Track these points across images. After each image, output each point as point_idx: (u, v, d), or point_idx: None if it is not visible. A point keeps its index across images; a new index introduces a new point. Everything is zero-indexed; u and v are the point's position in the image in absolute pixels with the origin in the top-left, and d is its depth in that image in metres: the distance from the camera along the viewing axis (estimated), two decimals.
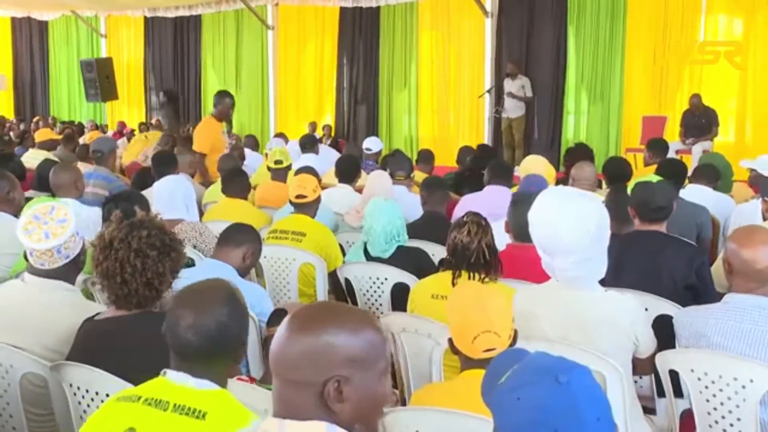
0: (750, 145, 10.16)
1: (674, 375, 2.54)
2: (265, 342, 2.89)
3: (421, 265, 3.68)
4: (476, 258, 2.95)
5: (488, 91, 11.35)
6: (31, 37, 18.47)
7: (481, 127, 11.87)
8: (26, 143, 10.46)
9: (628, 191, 3.84)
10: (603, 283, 2.63)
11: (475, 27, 12.00)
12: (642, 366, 2.69)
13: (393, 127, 13.34)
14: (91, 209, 4.20)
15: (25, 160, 6.79)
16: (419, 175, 6.15)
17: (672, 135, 9.51)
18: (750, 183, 5.64)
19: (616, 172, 5.35)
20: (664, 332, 2.80)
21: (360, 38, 13.49)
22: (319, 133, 12.69)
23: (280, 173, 5.83)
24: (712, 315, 2.58)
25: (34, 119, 16.17)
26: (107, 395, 2.21)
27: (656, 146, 6.54)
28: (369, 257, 3.83)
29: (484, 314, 2.14)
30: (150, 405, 1.73)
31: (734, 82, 10.32)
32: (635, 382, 2.87)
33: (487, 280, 2.95)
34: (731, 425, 2.42)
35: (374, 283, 3.73)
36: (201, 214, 5.55)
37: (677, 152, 8.47)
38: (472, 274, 2.96)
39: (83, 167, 5.28)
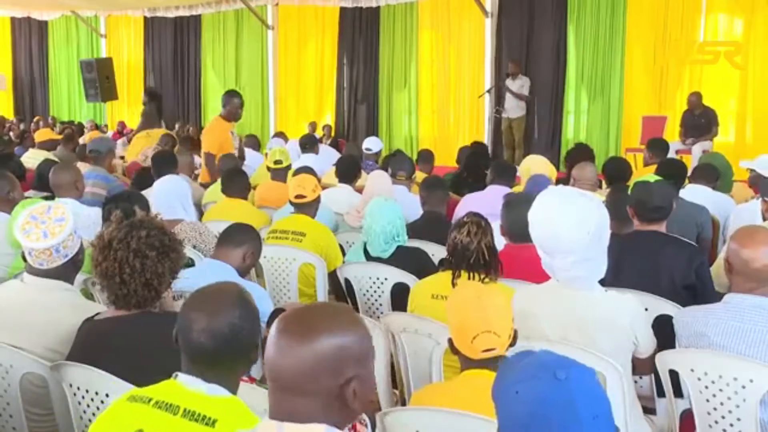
0: (750, 145, 10.16)
1: (674, 375, 2.54)
2: (264, 342, 2.89)
3: (421, 265, 3.68)
4: (476, 258, 2.96)
5: (488, 91, 11.35)
6: (31, 37, 18.46)
7: (481, 127, 11.87)
8: (26, 143, 10.46)
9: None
10: (603, 283, 2.63)
11: (475, 27, 12.00)
12: (642, 366, 2.69)
13: (393, 127, 13.34)
14: (90, 209, 4.20)
15: (25, 160, 6.80)
16: (419, 175, 6.15)
17: (672, 135, 9.51)
18: (750, 183, 5.64)
19: (616, 172, 5.35)
20: (664, 332, 2.80)
21: (360, 38, 13.49)
22: (318, 133, 12.68)
23: (279, 173, 5.83)
24: (712, 315, 2.58)
25: (34, 119, 16.17)
26: (107, 395, 2.22)
27: (656, 146, 6.54)
28: (369, 257, 3.83)
29: (483, 314, 2.14)
30: (160, 408, 1.73)
31: (734, 82, 10.32)
32: (635, 382, 2.87)
33: (487, 280, 2.95)
34: (731, 425, 2.42)
35: (374, 283, 3.73)
36: (201, 214, 5.56)
37: (677, 152, 8.47)
38: (471, 275, 2.96)
39: (82, 167, 5.27)
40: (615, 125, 11.05)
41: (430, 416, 2.04)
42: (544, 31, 11.49)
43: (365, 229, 3.85)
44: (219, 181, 5.74)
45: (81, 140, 10.65)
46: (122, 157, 10.69)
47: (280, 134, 11.28)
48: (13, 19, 18.48)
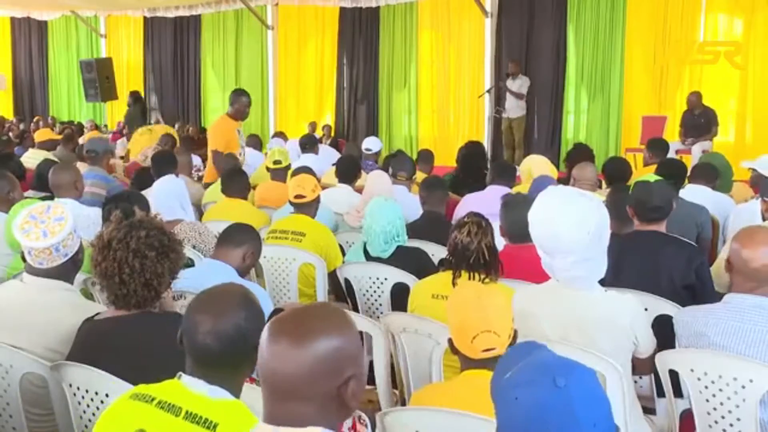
0: (750, 145, 10.17)
1: (674, 375, 2.54)
2: None
3: (420, 265, 3.68)
4: (476, 258, 2.96)
5: (488, 91, 11.35)
6: (31, 37, 18.45)
7: (481, 127, 11.87)
8: (26, 143, 10.45)
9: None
10: (603, 283, 2.63)
11: (474, 27, 12.00)
12: (642, 366, 2.69)
13: (393, 127, 13.34)
14: (90, 209, 4.21)
15: (25, 160, 6.79)
16: (419, 175, 6.15)
17: (672, 135, 9.51)
18: (751, 184, 5.64)
19: (616, 172, 5.36)
20: (664, 332, 2.80)
21: (360, 38, 13.49)
22: (318, 133, 12.68)
23: (279, 173, 5.84)
24: (713, 315, 2.59)
25: (34, 119, 16.16)
26: (107, 395, 2.22)
27: (656, 146, 6.54)
28: (369, 257, 3.83)
29: (483, 314, 2.14)
30: (162, 408, 1.73)
31: (734, 82, 10.32)
32: (635, 382, 2.87)
33: (487, 280, 2.95)
34: (731, 425, 2.42)
35: (374, 283, 3.73)
36: (201, 214, 5.56)
37: (677, 152, 8.47)
38: (472, 275, 2.96)
39: (81, 167, 5.27)
40: (615, 125, 11.05)
41: (430, 416, 2.04)
42: (544, 31, 11.49)
43: (365, 229, 3.85)
44: (219, 181, 5.75)
45: (81, 140, 10.64)
46: (122, 157, 10.70)
47: (279, 134, 11.28)
48: (13, 19, 18.47)
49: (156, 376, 1.84)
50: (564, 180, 5.77)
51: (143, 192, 4.43)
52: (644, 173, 5.43)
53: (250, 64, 14.80)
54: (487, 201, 4.47)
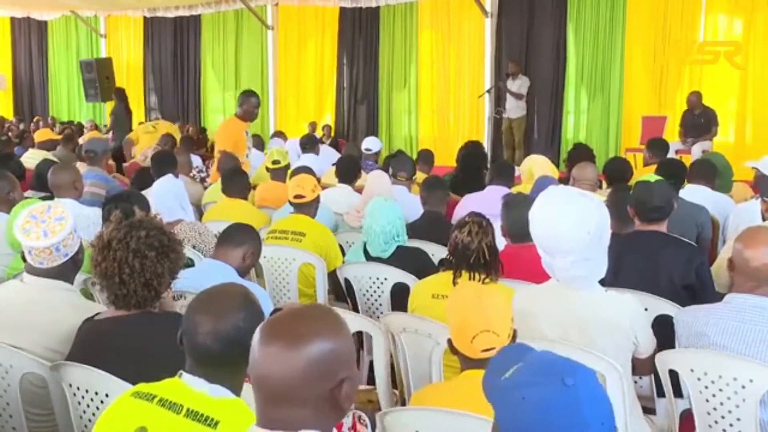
0: (750, 145, 10.17)
1: (674, 375, 2.54)
2: None
3: (420, 265, 3.68)
4: (476, 258, 2.96)
5: (488, 91, 11.35)
6: (31, 37, 18.44)
7: (481, 127, 11.87)
8: (25, 143, 10.45)
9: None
10: (603, 282, 2.63)
11: (474, 27, 12.00)
12: (642, 366, 2.69)
13: (393, 127, 13.34)
14: (90, 209, 4.21)
15: (25, 161, 6.79)
16: (419, 176, 6.15)
17: (672, 135, 9.51)
18: (754, 183, 5.62)
19: (617, 172, 5.35)
20: (664, 332, 2.80)
21: (360, 38, 13.49)
22: (318, 133, 12.68)
23: (278, 173, 5.83)
24: (713, 314, 2.59)
25: (34, 119, 16.16)
26: (107, 395, 2.22)
27: (656, 146, 6.54)
28: (369, 257, 3.83)
29: (483, 314, 2.14)
30: (164, 406, 1.73)
31: (734, 82, 10.33)
32: (635, 382, 2.87)
33: (487, 280, 2.95)
34: (731, 425, 2.42)
35: (374, 283, 3.73)
36: (201, 214, 5.56)
37: (677, 152, 8.47)
38: (472, 274, 2.96)
39: (81, 167, 5.27)
40: (615, 125, 11.06)
41: (430, 416, 2.04)
42: (544, 31, 11.49)
43: (365, 229, 3.85)
44: (219, 181, 5.74)
45: (81, 140, 10.64)
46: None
47: (278, 133, 11.28)
48: (13, 19, 18.47)
49: (156, 375, 1.84)
50: (564, 180, 5.77)
51: (143, 192, 4.43)
52: (644, 173, 5.43)
53: (250, 64, 14.80)
54: (486, 201, 4.47)
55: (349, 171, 5.67)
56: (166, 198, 4.46)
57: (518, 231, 3.41)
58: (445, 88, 12.61)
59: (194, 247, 3.90)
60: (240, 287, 1.99)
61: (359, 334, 3.49)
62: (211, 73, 15.61)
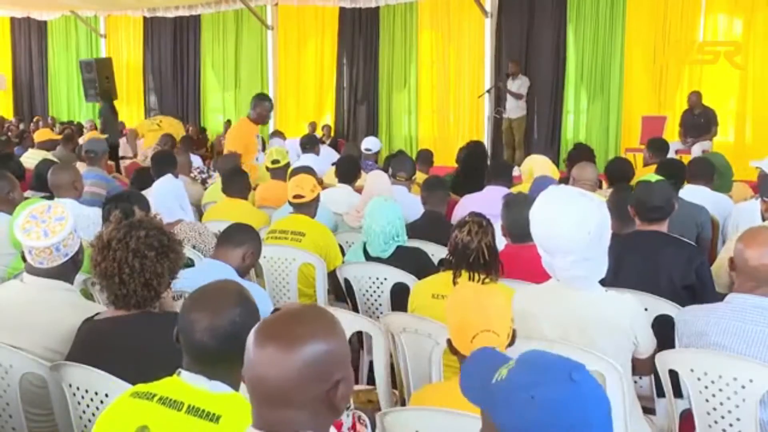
0: (750, 145, 10.18)
1: (674, 375, 2.54)
2: None
3: (420, 265, 3.68)
4: (476, 258, 2.95)
5: (488, 91, 11.36)
6: (31, 37, 18.46)
7: (481, 127, 11.88)
8: (25, 143, 10.45)
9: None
10: (603, 283, 2.63)
11: (474, 27, 12.00)
12: (642, 366, 2.69)
13: (393, 127, 13.34)
14: (90, 209, 4.21)
15: (24, 161, 6.79)
16: (418, 176, 6.15)
17: (671, 135, 9.51)
18: (759, 183, 5.61)
19: (619, 172, 5.34)
20: (664, 332, 2.80)
21: (360, 38, 13.50)
22: (318, 133, 12.69)
23: (278, 172, 5.83)
24: (714, 314, 2.59)
25: (34, 119, 16.17)
26: (106, 395, 2.22)
27: (656, 146, 6.54)
28: (368, 257, 3.83)
29: (483, 313, 2.14)
30: (164, 404, 1.74)
31: (734, 82, 10.33)
32: (635, 382, 2.87)
33: (487, 280, 2.95)
34: (731, 425, 2.42)
35: (374, 283, 3.73)
36: (201, 214, 5.56)
37: (677, 152, 8.48)
38: (472, 274, 2.96)
39: (81, 167, 5.28)
40: (615, 125, 11.06)
41: (430, 416, 2.04)
42: (544, 31, 11.50)
43: (365, 229, 3.85)
44: (219, 181, 5.74)
45: (80, 140, 10.64)
46: (122, 157, 10.70)
47: (276, 133, 11.27)
48: (12, 19, 18.48)
49: (156, 375, 1.84)
50: (564, 180, 5.77)
51: (143, 192, 4.43)
52: (644, 173, 5.43)
53: (250, 64, 14.80)
54: (486, 201, 4.47)
55: (349, 171, 5.67)
56: (166, 198, 4.46)
57: (518, 231, 3.41)
58: (445, 88, 12.62)
59: (194, 247, 3.90)
60: (233, 284, 2.00)
61: (359, 334, 3.49)
62: (211, 73, 15.62)
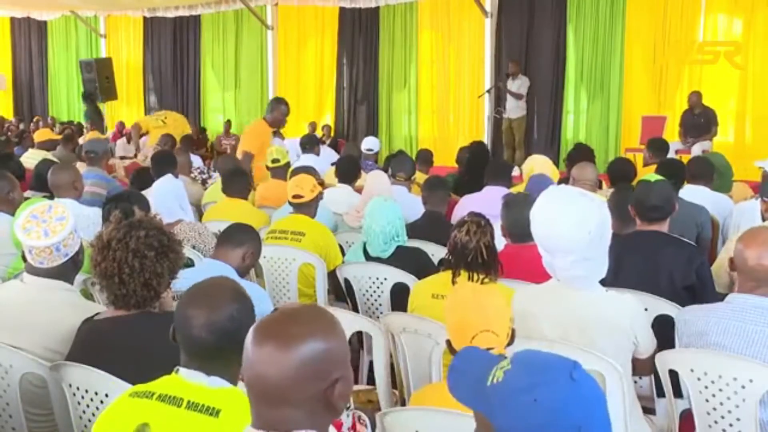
0: (749, 145, 10.18)
1: (674, 375, 2.54)
2: None
3: (420, 265, 3.68)
4: (474, 257, 2.96)
5: (488, 91, 11.36)
6: (31, 37, 18.45)
7: (481, 127, 11.87)
8: (25, 143, 10.45)
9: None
10: (603, 283, 2.63)
11: (474, 27, 12.00)
12: (642, 366, 2.69)
13: (393, 127, 13.34)
14: (90, 209, 4.21)
15: (24, 161, 6.79)
16: (418, 176, 6.15)
17: (671, 135, 9.51)
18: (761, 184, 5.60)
19: (620, 173, 5.34)
20: (664, 332, 2.80)
21: (360, 38, 13.50)
22: (318, 133, 12.68)
23: (278, 171, 5.82)
24: (714, 314, 2.59)
25: (34, 119, 16.16)
26: (106, 395, 2.22)
27: (656, 146, 6.54)
28: (368, 257, 3.83)
29: (482, 313, 2.14)
30: (164, 401, 1.75)
31: (734, 82, 10.33)
32: (635, 382, 2.87)
33: (487, 280, 2.95)
34: (731, 425, 2.42)
35: (374, 283, 3.73)
36: (200, 214, 5.56)
37: (677, 152, 8.48)
38: (471, 274, 2.96)
39: (81, 167, 5.28)
40: (615, 125, 11.06)
41: (430, 416, 2.04)
42: (544, 30, 11.50)
43: (365, 229, 3.85)
44: (219, 181, 5.74)
45: (80, 140, 10.64)
46: (122, 157, 10.70)
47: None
48: (13, 19, 18.48)
49: (156, 375, 1.85)
50: (564, 180, 5.77)
51: (142, 192, 4.43)
52: (644, 173, 5.42)
53: (250, 64, 14.80)
54: (486, 202, 4.46)
55: (349, 171, 5.67)
56: (166, 198, 4.46)
57: (518, 231, 3.41)
58: (445, 88, 12.61)
59: (194, 248, 3.90)
60: (228, 280, 2.02)
61: (359, 334, 3.49)
62: (211, 73, 15.62)
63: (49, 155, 7.36)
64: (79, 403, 2.31)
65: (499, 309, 2.19)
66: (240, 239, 3.27)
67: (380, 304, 3.73)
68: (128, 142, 12.87)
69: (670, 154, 6.73)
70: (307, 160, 7.27)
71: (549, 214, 2.48)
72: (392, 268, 3.66)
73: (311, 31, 14.21)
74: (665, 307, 3.02)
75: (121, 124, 15.49)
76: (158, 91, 16.42)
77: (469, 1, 11.57)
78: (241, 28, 14.91)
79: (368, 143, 7.91)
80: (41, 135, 9.49)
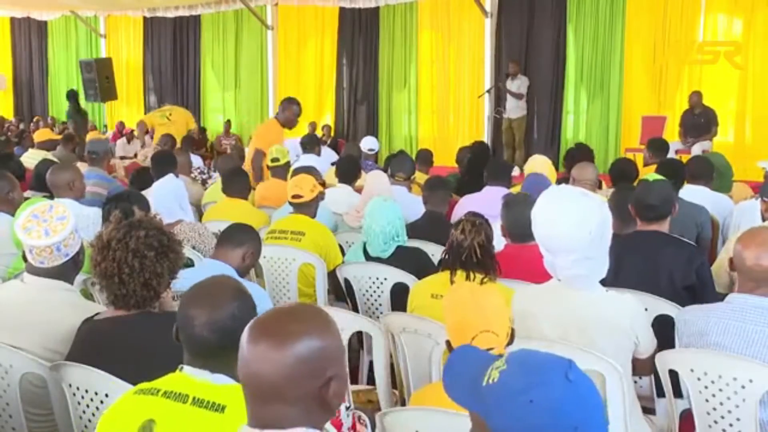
0: (749, 145, 10.19)
1: (674, 375, 2.54)
2: None
3: (420, 265, 3.68)
4: (468, 256, 2.96)
5: (488, 91, 11.36)
6: (31, 37, 18.46)
7: (481, 127, 11.88)
8: (25, 143, 10.45)
9: None
10: (603, 283, 2.63)
11: (474, 27, 12.01)
12: (642, 366, 2.69)
13: (393, 127, 13.34)
14: (90, 209, 4.20)
15: (24, 161, 6.79)
16: (418, 176, 6.15)
17: (671, 135, 9.51)
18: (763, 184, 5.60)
19: (622, 173, 5.33)
20: (664, 332, 2.80)
21: (360, 38, 13.50)
22: (318, 133, 12.69)
23: (278, 171, 5.82)
24: (714, 314, 2.59)
25: (34, 119, 16.17)
26: (106, 395, 2.22)
27: (656, 146, 6.54)
28: (368, 257, 3.83)
29: (481, 314, 2.14)
30: (169, 398, 1.75)
31: (734, 82, 10.33)
32: (635, 382, 2.87)
33: (486, 280, 2.95)
34: (731, 425, 2.42)
35: (374, 283, 3.73)
36: (201, 214, 5.56)
37: (677, 152, 8.48)
38: (468, 274, 2.96)
39: (82, 168, 5.27)
40: (614, 125, 11.06)
41: (430, 416, 2.04)
42: (544, 30, 11.50)
43: (364, 229, 3.85)
44: (219, 181, 5.74)
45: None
46: (122, 157, 10.70)
47: None
48: (13, 19, 18.49)
49: (156, 375, 1.85)
50: (564, 180, 5.77)
51: (142, 192, 4.43)
52: (644, 173, 5.42)
53: (250, 64, 14.80)
54: (485, 202, 4.46)
55: (349, 171, 5.67)
56: (166, 198, 4.45)
57: (518, 231, 3.41)
58: (445, 88, 12.62)
59: (194, 248, 3.90)
60: (229, 279, 2.03)
61: (359, 334, 3.49)
62: (211, 73, 15.62)
63: (49, 155, 7.36)
64: (79, 403, 2.31)
65: (499, 309, 2.18)
66: (240, 239, 3.27)
67: (380, 304, 3.73)
68: (128, 142, 12.88)
69: (670, 154, 6.73)
70: (308, 160, 7.27)
71: (550, 213, 2.49)
72: (392, 268, 3.66)
73: (311, 31, 14.21)
74: (665, 307, 3.02)
75: (121, 124, 15.50)
76: (158, 91, 16.42)
77: (469, 1, 11.57)
78: (241, 28, 14.91)
79: (370, 143, 7.91)
80: (41, 135, 9.49)
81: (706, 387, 2.44)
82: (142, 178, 5.76)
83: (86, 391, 2.28)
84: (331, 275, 4.03)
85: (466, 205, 4.80)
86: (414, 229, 4.15)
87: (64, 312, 2.57)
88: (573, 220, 2.42)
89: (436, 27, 12.66)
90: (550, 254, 2.56)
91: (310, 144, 8.19)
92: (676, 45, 10.58)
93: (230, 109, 15.37)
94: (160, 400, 1.75)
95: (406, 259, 3.74)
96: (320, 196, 4.45)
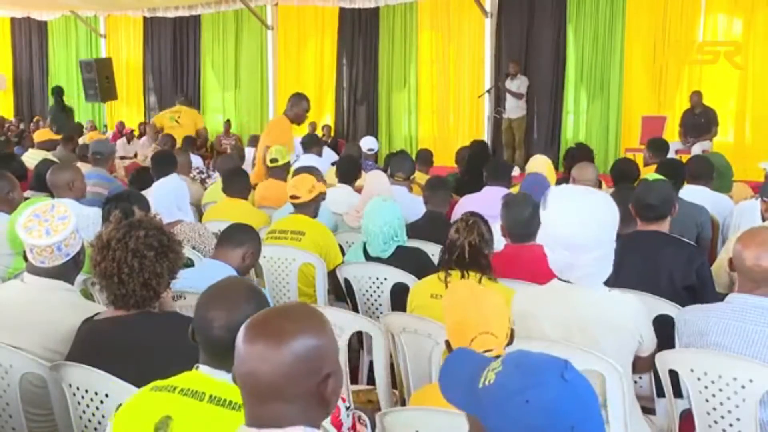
0: (749, 145, 10.19)
1: (674, 375, 2.54)
2: None
3: (420, 265, 3.67)
4: (459, 255, 2.96)
5: (488, 91, 11.36)
6: (31, 37, 18.46)
7: (481, 127, 11.88)
8: (25, 143, 10.45)
9: None
10: (604, 282, 2.63)
11: (474, 27, 12.00)
12: (642, 365, 2.69)
13: (393, 127, 13.34)
14: (90, 209, 4.21)
15: (24, 161, 6.78)
16: (418, 176, 6.15)
17: (671, 135, 9.52)
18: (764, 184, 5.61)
19: (623, 173, 5.33)
20: (664, 332, 2.80)
21: (359, 38, 13.50)
22: (318, 133, 12.69)
23: (277, 171, 5.82)
24: (714, 314, 2.59)
25: (34, 119, 16.16)
26: (106, 395, 2.22)
27: (656, 146, 6.54)
28: (368, 257, 3.83)
29: (481, 315, 2.13)
30: (186, 395, 1.76)
31: (734, 82, 10.33)
32: (635, 382, 2.87)
33: (485, 279, 2.95)
34: (731, 425, 2.42)
35: (374, 283, 3.73)
36: (201, 214, 5.56)
37: (677, 152, 8.48)
38: (463, 273, 2.96)
39: (83, 168, 5.27)
40: (614, 125, 11.06)
41: (429, 416, 2.04)
42: (544, 30, 11.50)
43: (364, 229, 3.86)
44: (219, 181, 5.74)
45: (80, 140, 10.63)
46: (122, 157, 10.70)
47: None
48: (13, 19, 18.48)
49: (156, 375, 1.85)
50: (563, 180, 5.77)
51: (142, 192, 4.42)
52: (644, 173, 5.42)
53: (250, 64, 14.80)
54: (485, 202, 4.46)
55: (349, 171, 5.67)
56: (166, 198, 4.45)
57: (518, 231, 3.40)
58: (445, 88, 12.62)
59: (194, 248, 3.90)
60: (243, 280, 2.07)
61: (359, 334, 3.49)
62: (211, 73, 15.62)
63: (49, 155, 7.36)
64: (79, 403, 2.31)
65: (499, 310, 2.18)
66: (240, 239, 3.27)
67: (380, 304, 3.73)
68: (128, 142, 12.88)
69: (670, 154, 6.73)
70: (308, 160, 7.26)
71: (568, 212, 2.47)
72: (392, 268, 3.66)
73: (311, 31, 14.21)
74: (665, 307, 3.02)
75: (121, 124, 15.51)
76: (158, 91, 16.42)
77: (469, 1, 11.57)
78: (241, 28, 14.91)
79: (370, 143, 7.91)
80: (41, 135, 9.48)
81: (706, 387, 2.44)
82: (142, 178, 5.76)
83: (86, 391, 2.28)
84: (331, 275, 4.02)
85: (465, 205, 4.80)
86: (414, 229, 4.15)
87: (64, 312, 2.57)
88: (598, 217, 2.43)
89: (436, 27, 12.66)
90: (570, 254, 2.49)
91: (311, 144, 8.19)
92: (676, 45, 10.58)
93: (230, 109, 15.36)
94: (176, 397, 1.76)
95: (406, 259, 3.74)
96: (321, 197, 4.44)
